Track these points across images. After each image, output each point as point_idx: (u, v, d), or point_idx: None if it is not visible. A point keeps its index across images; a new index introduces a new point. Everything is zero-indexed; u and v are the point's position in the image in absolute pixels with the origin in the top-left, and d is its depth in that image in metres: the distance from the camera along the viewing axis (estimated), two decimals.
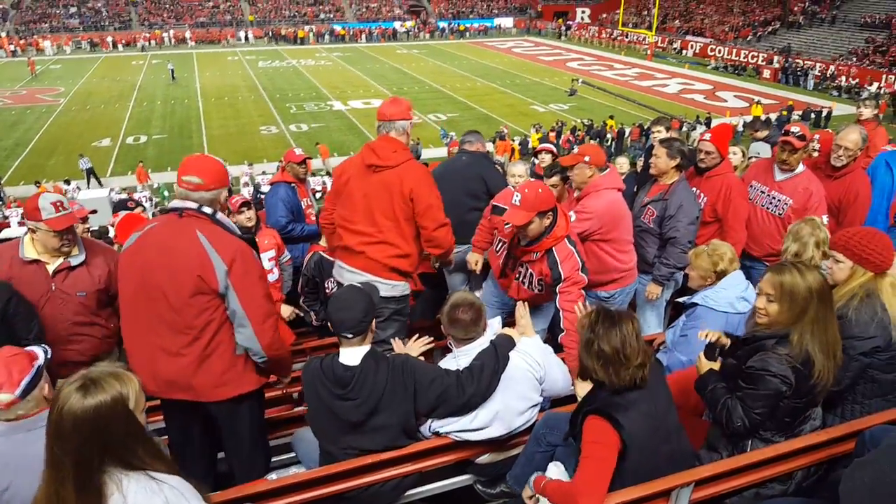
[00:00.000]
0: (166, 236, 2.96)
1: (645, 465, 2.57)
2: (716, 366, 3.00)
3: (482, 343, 3.18)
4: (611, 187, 4.48)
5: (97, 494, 1.88)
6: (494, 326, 3.33)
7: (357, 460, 2.92)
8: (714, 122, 27.42)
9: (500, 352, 3.08)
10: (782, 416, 2.79)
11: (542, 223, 3.65)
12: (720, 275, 3.73)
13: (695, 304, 3.72)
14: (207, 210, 3.01)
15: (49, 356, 2.50)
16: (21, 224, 16.25)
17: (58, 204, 3.43)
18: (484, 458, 3.24)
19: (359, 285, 2.93)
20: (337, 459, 2.96)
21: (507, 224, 3.81)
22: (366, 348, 2.90)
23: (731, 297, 3.62)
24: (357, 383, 2.83)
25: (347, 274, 3.98)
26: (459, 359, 3.18)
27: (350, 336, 2.84)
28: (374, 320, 3.01)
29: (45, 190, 20.05)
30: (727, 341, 3.05)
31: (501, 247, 4.04)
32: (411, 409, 2.96)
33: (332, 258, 4.35)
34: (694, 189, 4.90)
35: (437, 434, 3.13)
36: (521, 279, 3.95)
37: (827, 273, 3.16)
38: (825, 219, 4.65)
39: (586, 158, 4.47)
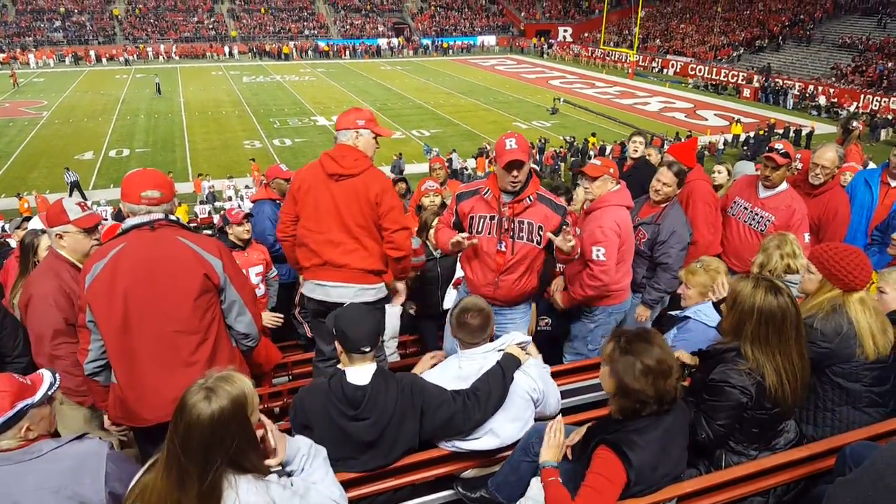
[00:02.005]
0: (147, 251, 2.96)
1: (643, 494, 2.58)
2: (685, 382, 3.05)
3: (487, 350, 3.19)
4: (620, 204, 4.41)
5: (217, 498, 1.99)
6: (508, 339, 3.31)
7: (345, 474, 2.88)
8: None
9: (507, 375, 3.08)
10: (750, 427, 2.82)
11: (528, 164, 3.77)
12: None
13: (687, 318, 3.73)
14: (173, 218, 3.11)
15: (57, 384, 2.43)
16: (3, 236, 15.85)
17: (82, 204, 3.46)
18: (469, 473, 3.24)
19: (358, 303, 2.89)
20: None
21: (487, 191, 3.86)
22: (373, 366, 2.87)
23: None
24: (369, 402, 2.80)
25: (335, 290, 3.90)
26: (463, 361, 3.20)
27: (367, 350, 2.81)
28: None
29: (27, 202, 19.90)
30: (693, 361, 3.10)
31: (483, 223, 3.91)
32: (417, 429, 2.96)
33: (305, 279, 4.07)
34: None
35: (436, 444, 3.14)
36: (516, 237, 3.85)
37: (799, 284, 3.23)
38: (807, 237, 4.73)
39: (611, 170, 4.43)
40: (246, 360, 3.44)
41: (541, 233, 3.82)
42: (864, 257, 3.05)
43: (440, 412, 2.95)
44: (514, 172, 3.68)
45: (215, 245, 3.15)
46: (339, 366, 2.96)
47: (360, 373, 2.84)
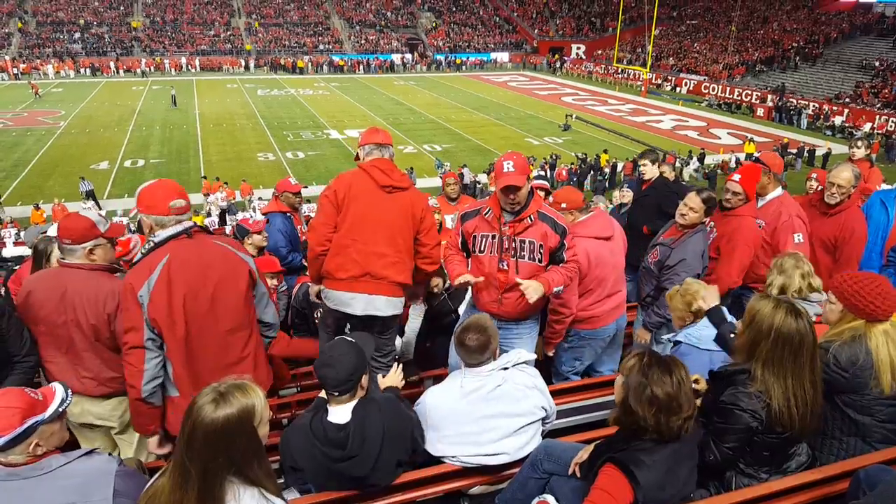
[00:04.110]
0: (195, 258, 3.04)
1: None
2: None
3: (492, 368, 3.12)
4: (585, 236, 4.30)
5: (217, 502, 2.00)
6: (514, 356, 3.26)
7: (352, 491, 2.87)
8: (707, 158, 27.78)
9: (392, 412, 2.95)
10: (760, 450, 2.77)
11: (527, 186, 3.73)
12: (697, 314, 3.67)
13: (679, 342, 3.66)
14: (199, 224, 3.22)
15: (70, 400, 2.41)
16: (18, 244, 15.88)
17: (102, 216, 3.49)
18: (476, 490, 3.21)
19: (351, 339, 2.82)
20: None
21: (488, 211, 3.85)
22: (353, 403, 2.79)
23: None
24: (354, 440, 2.72)
25: (370, 303, 3.83)
26: (466, 379, 3.14)
27: (336, 394, 2.74)
28: (377, 356, 2.96)
29: (44, 212, 20.05)
30: (703, 385, 3.05)
31: (485, 242, 3.92)
32: (408, 444, 2.92)
33: (335, 290, 3.91)
34: (711, 223, 4.81)
35: (441, 460, 3.11)
36: (519, 256, 3.82)
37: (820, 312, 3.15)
38: (798, 238, 4.67)
39: (563, 206, 4.41)
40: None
41: (541, 251, 3.82)
42: (887, 286, 2.88)
43: (416, 431, 3.00)
44: (511, 195, 3.68)
45: (240, 246, 3.35)
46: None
47: (340, 411, 2.77)
